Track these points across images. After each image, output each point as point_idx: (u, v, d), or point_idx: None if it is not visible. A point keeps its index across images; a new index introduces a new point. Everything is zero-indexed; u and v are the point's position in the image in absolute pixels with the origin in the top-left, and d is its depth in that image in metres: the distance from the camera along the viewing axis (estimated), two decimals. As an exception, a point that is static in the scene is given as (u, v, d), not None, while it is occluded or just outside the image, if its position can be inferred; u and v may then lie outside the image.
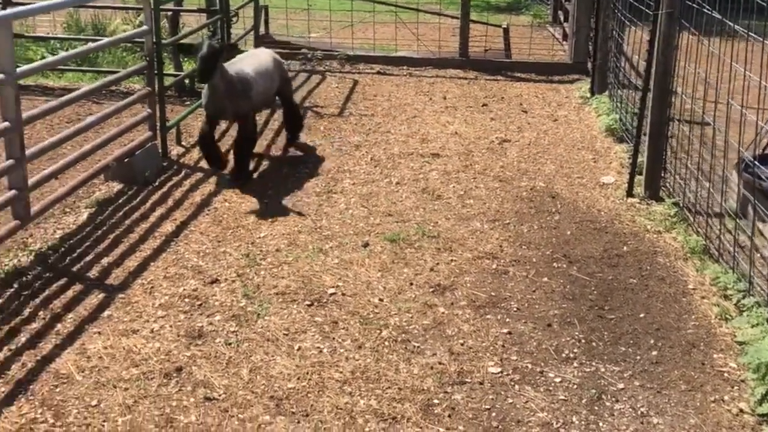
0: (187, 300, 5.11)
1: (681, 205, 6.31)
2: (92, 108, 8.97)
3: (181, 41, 8.19)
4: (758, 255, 5.21)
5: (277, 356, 4.53)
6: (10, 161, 5.36)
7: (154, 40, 7.16)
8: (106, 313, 4.95)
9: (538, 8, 16.12)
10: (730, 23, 5.43)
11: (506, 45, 11.64)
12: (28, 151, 5.49)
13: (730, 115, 5.67)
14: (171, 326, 4.81)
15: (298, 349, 4.60)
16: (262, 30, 11.58)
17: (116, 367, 4.39)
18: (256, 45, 11.15)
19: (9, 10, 5.25)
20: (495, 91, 10.18)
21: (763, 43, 4.92)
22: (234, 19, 9.49)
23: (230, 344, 4.63)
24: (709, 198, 5.94)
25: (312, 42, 11.96)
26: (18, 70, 5.35)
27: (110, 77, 7.00)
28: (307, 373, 4.37)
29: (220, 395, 4.19)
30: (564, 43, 12.81)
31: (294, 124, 8.10)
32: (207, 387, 4.25)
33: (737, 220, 5.44)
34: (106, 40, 7.77)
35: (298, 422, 4.00)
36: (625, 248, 5.89)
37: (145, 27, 7.11)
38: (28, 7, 5.47)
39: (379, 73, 10.95)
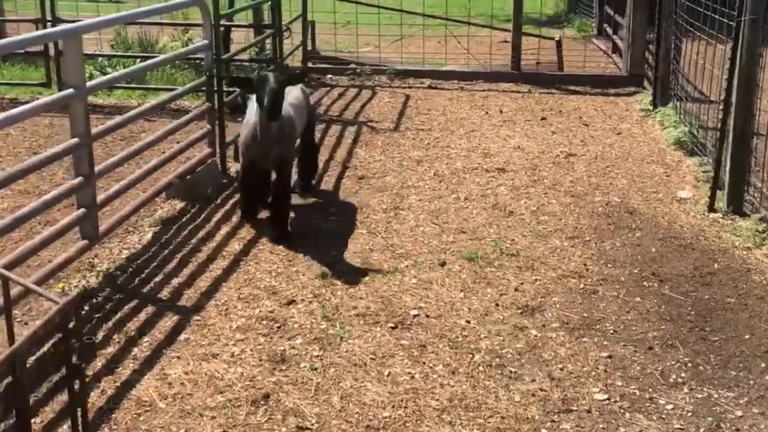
0: (264, 322, 4.89)
1: (771, 218, 6.03)
2: (144, 125, 8.84)
3: (235, 75, 7.61)
4: None
5: (367, 382, 4.29)
6: (80, 179, 5.18)
7: (214, 55, 6.99)
8: (182, 336, 4.74)
9: (582, 21, 15.89)
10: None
11: (559, 58, 11.41)
12: (96, 168, 5.32)
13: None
14: (252, 350, 4.59)
15: (388, 375, 4.36)
16: (309, 46, 11.43)
17: (200, 394, 4.18)
18: (304, 61, 11.01)
19: (79, 23, 5.08)
20: (551, 104, 9.94)
21: None
22: (286, 34, 9.33)
23: (316, 369, 4.40)
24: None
25: (360, 57, 11.80)
26: (88, 84, 5.18)
27: (173, 92, 6.84)
28: (402, 401, 4.13)
29: (312, 424, 3.96)
30: (613, 55, 12.58)
31: (311, 167, 7.07)
32: (298, 416, 4.02)
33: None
34: (166, 55, 7.62)
35: (400, 454, 3.76)
36: (715, 266, 5.62)
37: (205, 41, 6.95)
38: (97, 20, 5.32)
39: (429, 87, 10.76)
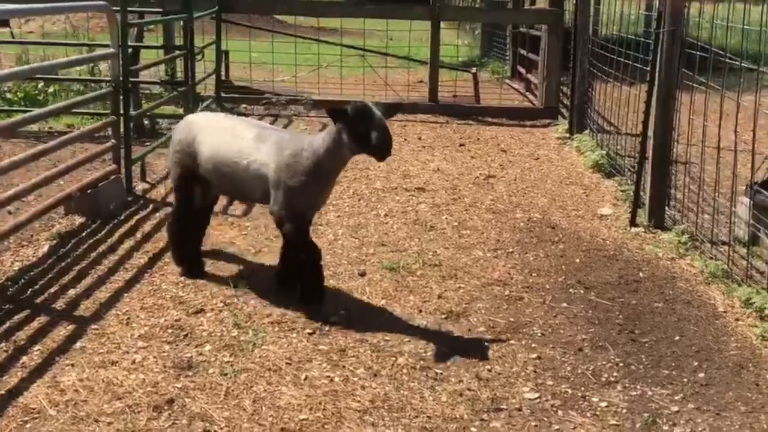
0: (170, 330, 4.50)
1: (695, 231, 5.97)
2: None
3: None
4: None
5: (282, 386, 3.95)
6: (-33, 178, 4.75)
7: (121, 64, 6.63)
8: (78, 344, 4.32)
9: (495, 64, 16.05)
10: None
11: (475, 90, 11.42)
12: (-13, 168, 4.89)
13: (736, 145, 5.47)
14: (155, 357, 4.20)
15: (305, 379, 4.03)
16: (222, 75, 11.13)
17: (95, 401, 3.76)
18: (217, 89, 10.70)
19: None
20: (469, 133, 9.87)
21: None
22: (199, 56, 9.01)
23: (226, 375, 4.04)
24: (731, 224, 5.61)
25: (275, 87, 11.55)
26: (-21, 76, 4.78)
27: (77, 98, 6.45)
28: (320, 403, 3.80)
29: (221, 428, 3.60)
30: (527, 94, 12.68)
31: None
32: (205, 420, 3.65)
33: None
34: (75, 57, 7.21)
35: (319, 455, 3.43)
36: (640, 274, 5.50)
37: (111, 50, 6.60)
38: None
39: (347, 117, 10.57)
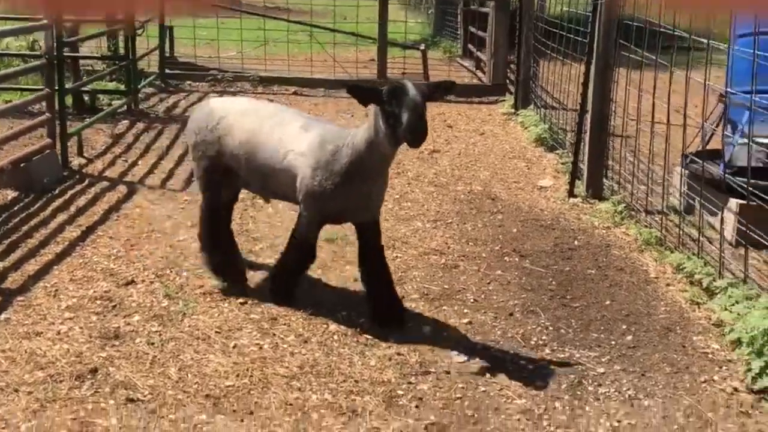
0: (98, 302, 4.43)
1: (631, 200, 6.03)
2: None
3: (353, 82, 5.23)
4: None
5: (209, 354, 3.91)
6: None
7: (55, 36, 6.49)
8: (2, 316, 4.24)
9: (447, 43, 16.04)
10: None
11: (424, 67, 11.40)
12: None
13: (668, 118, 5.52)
14: (81, 328, 4.13)
15: (234, 347, 3.99)
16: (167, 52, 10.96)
17: (17, 371, 3.69)
18: (161, 66, 10.55)
19: None
20: (416, 109, 9.84)
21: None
22: (139, 31, 8.86)
23: (153, 344, 3.99)
24: (664, 192, 5.67)
25: (222, 64, 11.40)
26: None
27: (7, 70, 6.28)
28: (247, 370, 3.77)
29: (145, 396, 3.55)
30: (477, 72, 12.69)
31: None
32: (129, 388, 3.60)
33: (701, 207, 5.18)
34: (7, 27, 7.03)
35: (242, 420, 3.40)
36: (576, 242, 5.54)
37: (44, 21, 6.44)
38: None
39: (295, 93, 10.51)
